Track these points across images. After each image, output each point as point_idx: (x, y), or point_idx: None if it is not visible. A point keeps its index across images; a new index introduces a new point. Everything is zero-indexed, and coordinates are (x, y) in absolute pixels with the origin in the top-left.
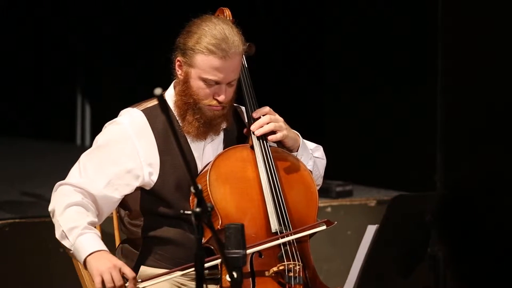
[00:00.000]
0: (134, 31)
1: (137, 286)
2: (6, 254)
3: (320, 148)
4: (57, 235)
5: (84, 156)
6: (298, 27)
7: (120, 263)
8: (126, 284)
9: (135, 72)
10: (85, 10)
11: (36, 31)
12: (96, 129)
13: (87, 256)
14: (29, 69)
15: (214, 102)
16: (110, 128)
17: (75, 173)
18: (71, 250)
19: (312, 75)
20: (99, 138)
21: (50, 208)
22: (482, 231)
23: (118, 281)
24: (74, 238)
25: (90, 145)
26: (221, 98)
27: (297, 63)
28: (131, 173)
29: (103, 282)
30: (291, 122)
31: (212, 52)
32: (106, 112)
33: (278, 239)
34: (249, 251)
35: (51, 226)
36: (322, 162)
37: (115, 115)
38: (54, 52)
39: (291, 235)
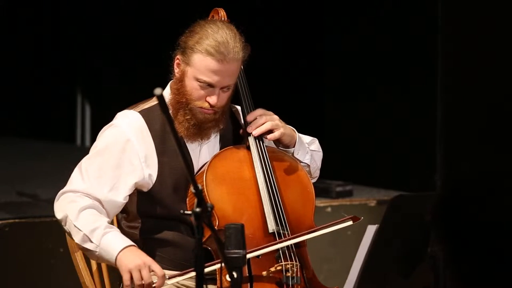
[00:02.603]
0: (134, 31)
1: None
2: (6, 254)
3: (316, 140)
4: (78, 240)
5: (84, 162)
6: (298, 26)
7: (149, 260)
8: (155, 282)
9: (135, 72)
10: (85, 10)
11: (36, 31)
12: (96, 129)
13: (118, 254)
14: (29, 69)
15: (206, 105)
16: (108, 132)
17: (77, 179)
18: (96, 252)
19: (312, 75)
20: (98, 143)
21: (60, 216)
22: (482, 231)
23: (147, 278)
24: (98, 239)
25: (90, 146)
26: (213, 101)
27: (297, 63)
28: (133, 175)
29: (131, 279)
30: (291, 122)
31: (210, 54)
32: (106, 112)
33: (288, 240)
34: (261, 252)
35: (51, 226)
36: (318, 155)
37: (115, 115)
38: (54, 52)
39: (319, 229)
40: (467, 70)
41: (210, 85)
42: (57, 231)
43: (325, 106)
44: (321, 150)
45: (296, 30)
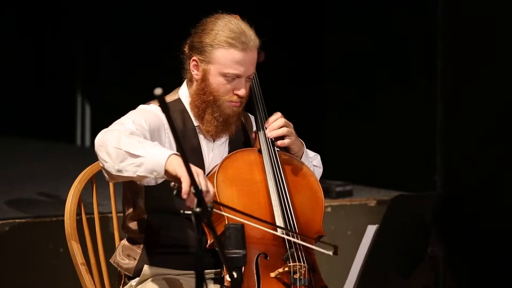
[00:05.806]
0: (134, 31)
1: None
2: (6, 254)
3: (318, 156)
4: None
5: (127, 115)
6: (299, 26)
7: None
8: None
9: (135, 72)
10: (85, 10)
11: (36, 31)
12: (96, 130)
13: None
14: (29, 69)
15: (235, 98)
16: (142, 106)
17: (126, 121)
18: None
19: (312, 75)
20: (135, 111)
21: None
22: (482, 231)
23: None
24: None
25: (91, 146)
26: (241, 92)
27: (297, 63)
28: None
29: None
30: (291, 122)
31: (232, 45)
32: (106, 113)
33: (283, 234)
34: (245, 221)
35: (51, 226)
36: (319, 171)
37: (115, 116)
38: (54, 52)
39: (297, 237)
40: (467, 70)
41: (238, 76)
42: (57, 231)
43: (325, 106)
44: (321, 166)
45: (296, 29)
